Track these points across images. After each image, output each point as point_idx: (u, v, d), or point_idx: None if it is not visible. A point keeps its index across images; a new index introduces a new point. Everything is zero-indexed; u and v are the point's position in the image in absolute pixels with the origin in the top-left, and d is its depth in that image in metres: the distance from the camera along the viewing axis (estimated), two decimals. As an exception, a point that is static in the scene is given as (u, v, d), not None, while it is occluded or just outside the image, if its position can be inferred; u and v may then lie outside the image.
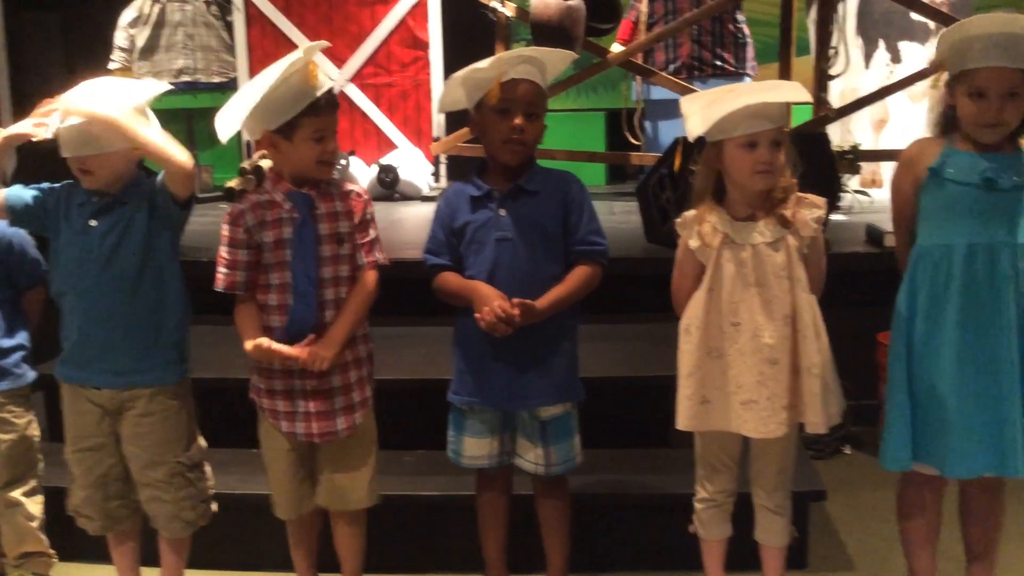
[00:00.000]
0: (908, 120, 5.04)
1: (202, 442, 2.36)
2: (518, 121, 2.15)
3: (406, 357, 3.02)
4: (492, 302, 2.12)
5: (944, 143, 2.13)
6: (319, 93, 2.10)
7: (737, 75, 5.32)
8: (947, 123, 2.16)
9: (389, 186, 5.56)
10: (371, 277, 2.23)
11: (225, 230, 2.20)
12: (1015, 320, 2.06)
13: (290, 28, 5.78)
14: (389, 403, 2.40)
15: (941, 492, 2.24)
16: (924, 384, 2.14)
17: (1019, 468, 2.07)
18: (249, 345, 2.13)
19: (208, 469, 2.38)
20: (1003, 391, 2.06)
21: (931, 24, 4.74)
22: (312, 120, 2.09)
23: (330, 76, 5.75)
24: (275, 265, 2.18)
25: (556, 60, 2.26)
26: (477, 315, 2.13)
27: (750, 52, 5.49)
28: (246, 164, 5.42)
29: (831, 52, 4.61)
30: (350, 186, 2.27)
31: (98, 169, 2.17)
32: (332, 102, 2.16)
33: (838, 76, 4.70)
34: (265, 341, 2.11)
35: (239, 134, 2.27)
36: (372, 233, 2.24)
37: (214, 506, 2.38)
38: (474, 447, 2.31)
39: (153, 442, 2.23)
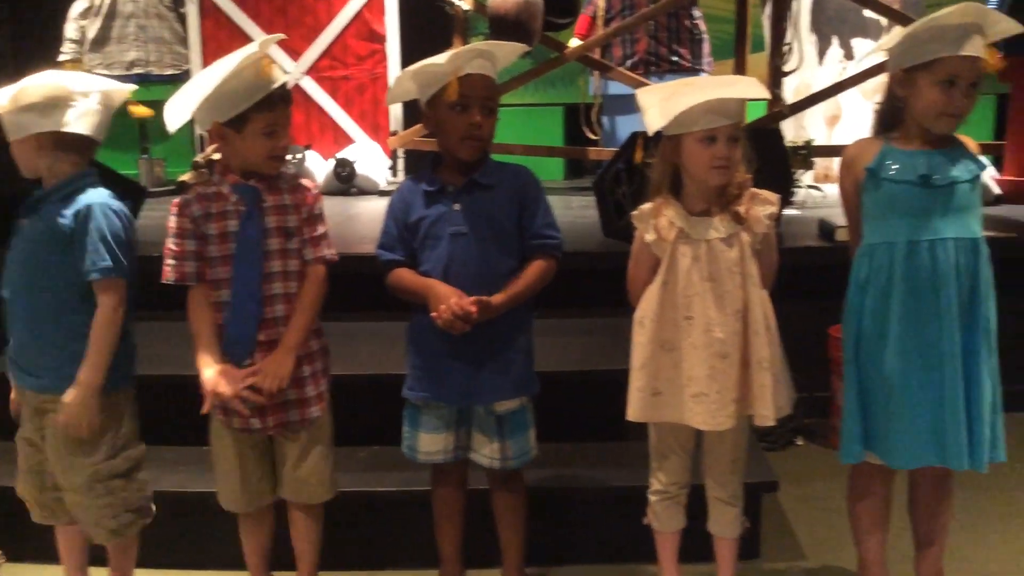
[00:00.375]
0: (861, 116, 5.10)
1: (135, 451, 2.27)
2: (477, 117, 2.15)
3: (361, 352, 3.01)
4: (449, 300, 2.11)
5: (882, 143, 2.16)
6: (273, 87, 2.07)
7: (693, 71, 5.36)
8: (888, 119, 2.18)
9: (346, 180, 5.52)
10: (318, 274, 2.20)
11: (172, 221, 2.17)
12: (957, 314, 2.09)
13: (245, 20, 5.72)
14: (343, 399, 2.38)
15: (891, 481, 2.28)
16: (871, 377, 2.18)
17: (963, 461, 2.11)
18: (217, 389, 2.10)
19: (141, 478, 2.28)
20: (946, 384, 2.10)
21: (884, 21, 4.80)
22: (264, 115, 2.07)
23: (285, 69, 5.71)
24: (221, 259, 2.16)
25: (507, 53, 2.26)
26: (434, 314, 2.12)
27: (706, 48, 5.53)
28: (199, 158, 5.36)
29: (785, 48, 4.65)
30: (300, 180, 2.24)
31: (17, 158, 2.14)
32: (285, 97, 2.13)
33: (792, 72, 4.75)
34: (220, 389, 2.10)
35: (192, 128, 2.24)
36: (321, 228, 2.21)
37: (149, 516, 2.31)
38: (429, 443, 2.30)
39: (69, 449, 2.17)
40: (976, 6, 2.06)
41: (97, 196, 2.14)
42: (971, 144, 2.16)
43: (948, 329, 2.09)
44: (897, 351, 2.13)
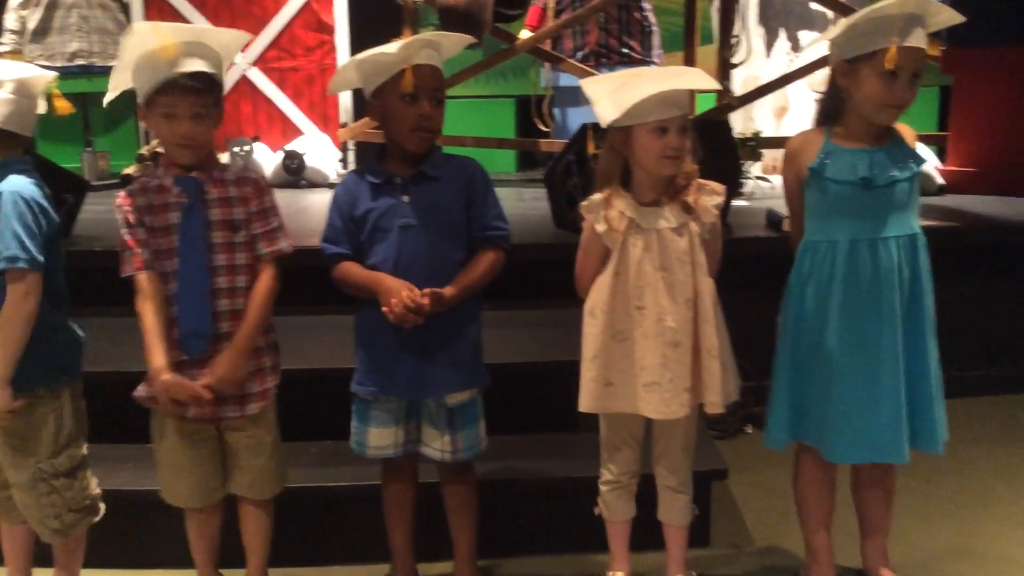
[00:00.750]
0: (808, 108, 5.16)
1: (80, 450, 2.22)
2: (427, 108, 2.13)
3: (311, 347, 2.98)
4: (400, 293, 2.09)
5: (824, 137, 2.17)
6: (174, 72, 2.02)
7: (644, 63, 5.39)
8: (831, 110, 2.20)
9: (295, 172, 5.46)
10: (271, 269, 2.17)
11: (119, 214, 2.14)
12: (899, 310, 2.12)
13: (190, 10, 5.62)
14: (294, 393, 2.36)
15: (834, 467, 2.31)
16: (809, 368, 2.21)
17: (900, 455, 2.15)
18: (165, 379, 2.07)
19: (87, 477, 2.24)
20: (883, 381, 2.13)
21: (830, 14, 4.86)
22: (163, 98, 2.03)
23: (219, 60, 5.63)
24: (167, 252, 2.12)
25: (453, 43, 2.24)
26: (385, 308, 2.10)
27: (656, 40, 5.57)
28: (144, 150, 5.28)
29: (733, 41, 4.70)
30: (247, 172, 2.20)
31: None
32: (190, 86, 2.03)
33: (740, 64, 4.79)
34: (171, 379, 2.06)
35: (136, 121, 2.19)
36: (274, 221, 2.18)
37: (96, 514, 2.27)
38: (379, 437, 2.29)
39: (11, 445, 2.12)
40: None
41: (10, 184, 2.05)
42: (909, 134, 2.18)
43: (888, 327, 2.12)
44: (836, 346, 2.16)
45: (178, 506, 2.29)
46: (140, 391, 2.16)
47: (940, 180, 4.74)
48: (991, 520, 2.81)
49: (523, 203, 4.86)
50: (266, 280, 2.16)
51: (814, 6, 4.84)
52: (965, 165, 4.73)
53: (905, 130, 2.19)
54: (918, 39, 2.05)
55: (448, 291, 2.14)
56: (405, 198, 2.18)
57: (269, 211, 2.18)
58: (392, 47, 2.11)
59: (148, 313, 2.10)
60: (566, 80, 5.60)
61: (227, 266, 2.14)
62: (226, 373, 2.09)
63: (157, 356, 2.08)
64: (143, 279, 2.12)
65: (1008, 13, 4.51)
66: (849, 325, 2.14)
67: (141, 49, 2.02)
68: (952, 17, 2.12)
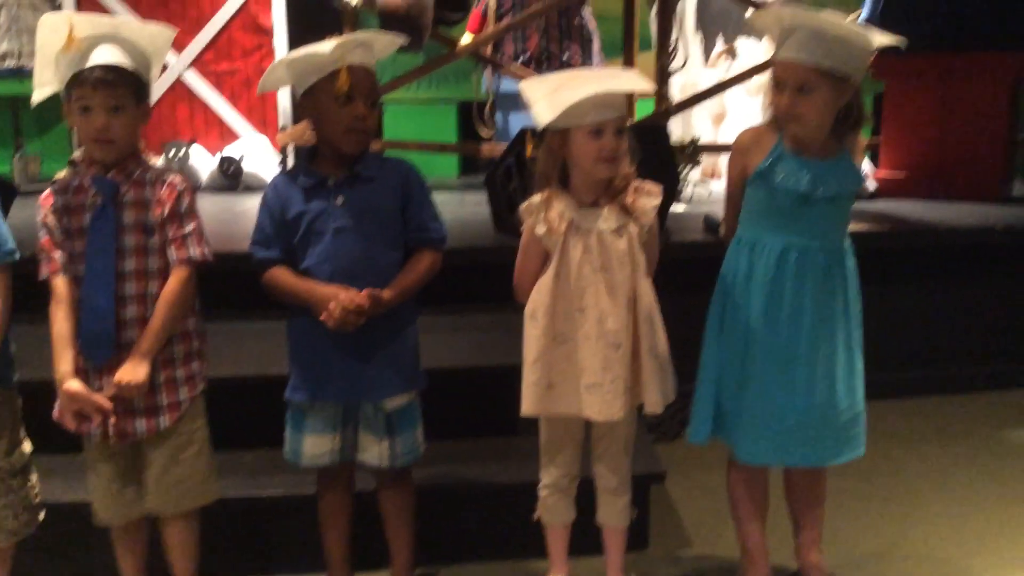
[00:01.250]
0: (745, 114, 5.24)
1: (26, 447, 2.20)
2: (362, 109, 2.11)
3: (244, 353, 2.92)
4: (337, 296, 2.07)
5: (776, 138, 2.19)
6: (88, 65, 1.98)
7: (584, 68, 5.41)
8: None
9: (232, 177, 5.38)
10: (181, 276, 2.09)
11: (39, 216, 2.09)
12: (821, 318, 2.15)
13: (123, 11, 5.50)
14: (226, 401, 2.31)
15: (766, 470, 2.34)
16: (729, 365, 2.24)
17: (808, 459, 2.19)
18: (68, 388, 2.02)
19: (34, 477, 2.23)
20: (796, 387, 2.16)
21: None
22: (77, 91, 1.99)
23: (166, 61, 5.53)
24: (82, 255, 2.06)
25: (385, 44, 2.22)
26: (324, 315, 2.07)
27: (596, 46, 5.59)
28: (76, 154, 5.15)
29: (671, 47, 4.74)
30: (167, 175, 2.12)
31: None
32: (102, 78, 1.99)
33: (678, 71, 4.84)
34: (74, 390, 2.01)
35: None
36: (189, 226, 2.10)
37: (41, 515, 2.25)
38: (315, 445, 2.25)
39: None
40: (803, 12, 2.08)
41: None
42: (858, 145, 2.20)
43: (807, 335, 2.15)
44: (756, 349, 2.19)
45: (100, 524, 2.23)
46: (55, 412, 2.09)
47: (873, 185, 4.84)
48: (922, 520, 2.87)
49: (464, 207, 4.85)
50: (174, 284, 2.08)
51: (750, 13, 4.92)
52: (897, 170, 4.84)
53: (857, 143, 2.21)
54: (795, 53, 2.04)
55: (387, 293, 2.12)
56: (339, 200, 2.15)
57: (184, 215, 2.10)
58: (326, 46, 2.08)
59: (59, 318, 2.05)
60: (508, 85, 5.60)
61: (137, 271, 2.07)
62: (125, 378, 2.01)
63: (63, 363, 2.03)
64: (58, 283, 2.06)
65: (937, 20, 4.63)
66: (769, 327, 2.17)
67: (57, 42, 1.98)
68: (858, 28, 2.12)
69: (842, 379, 2.19)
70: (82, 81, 1.98)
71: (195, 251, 2.10)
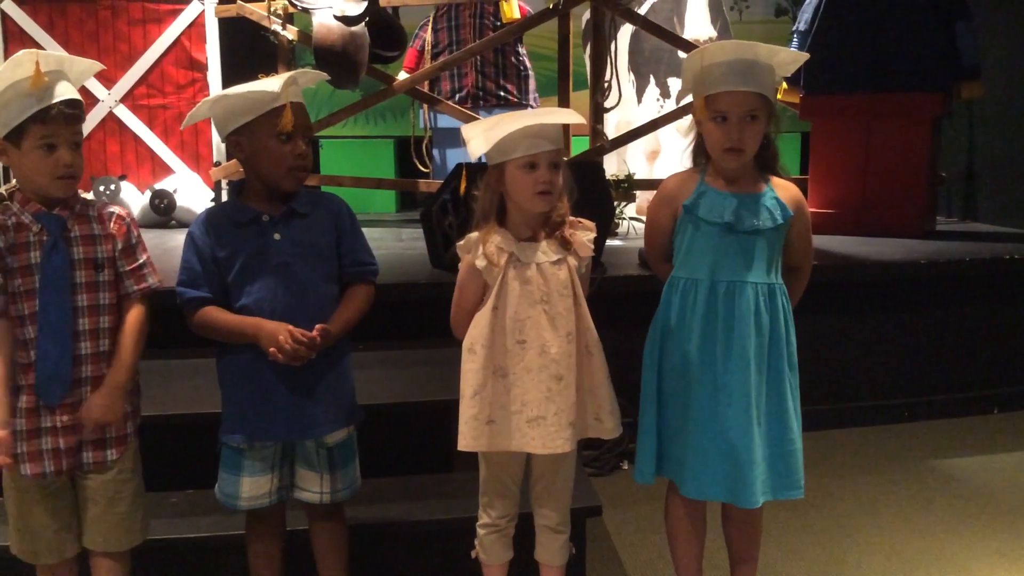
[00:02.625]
0: (678, 151, 5.34)
1: None
2: (302, 147, 2.10)
3: (171, 391, 2.85)
4: (285, 331, 2.04)
5: (699, 177, 2.23)
6: (54, 100, 1.95)
7: (520, 105, 5.48)
8: (701, 151, 2.25)
9: (164, 212, 5.30)
10: (141, 308, 2.10)
11: None
12: (752, 356, 2.17)
13: (53, 46, 5.40)
14: (154, 440, 2.26)
15: (703, 504, 2.34)
16: (669, 403, 2.26)
17: (750, 499, 2.18)
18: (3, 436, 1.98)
19: None
20: (734, 423, 2.17)
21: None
22: (39, 127, 1.95)
23: (94, 93, 5.44)
24: (25, 293, 2.01)
25: (311, 78, 2.22)
26: (273, 349, 2.04)
27: (532, 84, 5.67)
28: (3, 189, 5.02)
29: (605, 86, 4.82)
30: (111, 208, 2.12)
31: None
32: (68, 113, 1.98)
33: (612, 109, 4.92)
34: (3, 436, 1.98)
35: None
36: (142, 257, 2.11)
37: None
38: (254, 487, 2.19)
39: None
40: (736, 43, 2.16)
41: None
42: (789, 192, 2.22)
43: (740, 371, 2.17)
44: (692, 384, 2.21)
45: (29, 562, 2.15)
46: None
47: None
48: (855, 549, 2.91)
49: (402, 243, 4.84)
50: (137, 315, 2.08)
51: (682, 55, 5.03)
52: (824, 207, 4.96)
53: (786, 186, 2.24)
54: (743, 83, 2.10)
55: (333, 327, 2.11)
56: (277, 236, 2.13)
57: (136, 247, 2.11)
58: (273, 83, 2.06)
59: None
60: (445, 121, 5.64)
61: (90, 306, 2.04)
62: (101, 415, 2.01)
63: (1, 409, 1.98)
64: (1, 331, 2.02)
65: (860, 62, 4.78)
66: (705, 365, 2.19)
67: (8, 80, 1.94)
68: (796, 57, 2.20)
69: (783, 419, 2.21)
70: (50, 118, 1.95)
71: (153, 280, 2.12)
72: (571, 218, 2.17)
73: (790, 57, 2.19)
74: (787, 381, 2.22)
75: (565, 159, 2.18)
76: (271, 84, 2.06)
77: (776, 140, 2.23)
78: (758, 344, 2.18)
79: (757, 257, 2.20)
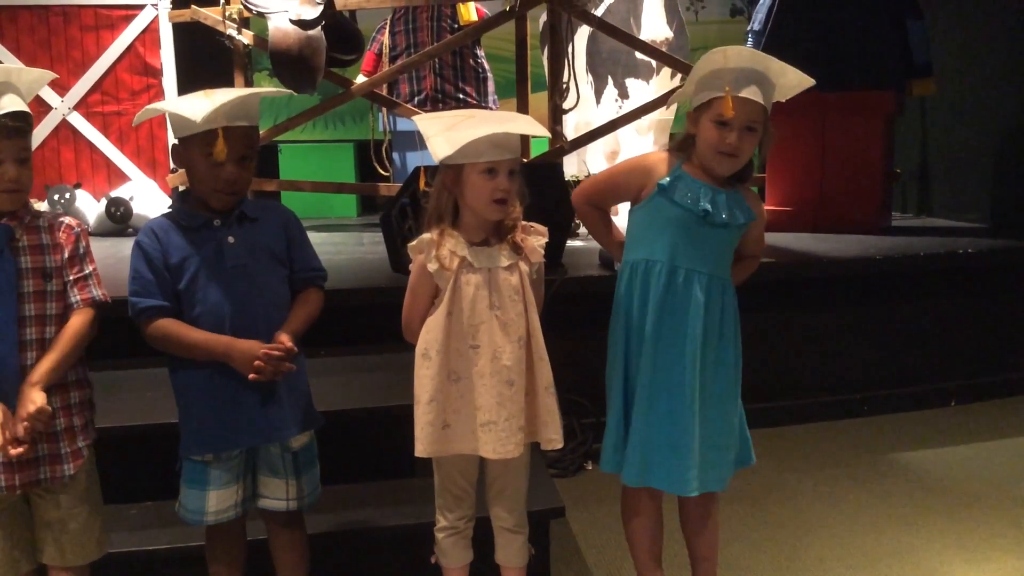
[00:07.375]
0: (637, 151, 5.36)
1: None
2: (231, 172, 2.07)
3: (126, 402, 2.81)
4: (259, 350, 2.03)
5: (677, 162, 2.23)
6: None
7: (480, 107, 5.48)
8: (684, 146, 2.26)
9: (120, 220, 5.23)
10: (83, 316, 2.05)
11: None
12: (699, 348, 2.19)
13: (4, 54, 5.32)
14: (110, 453, 2.22)
15: (659, 499, 2.35)
16: (637, 390, 2.26)
17: (685, 487, 2.21)
18: None
19: None
20: (678, 412, 2.20)
21: (654, 63, 5.08)
22: None
23: (50, 103, 5.37)
24: None
25: (256, 100, 2.17)
26: (257, 364, 2.02)
27: (491, 86, 5.68)
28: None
29: (564, 88, 4.83)
30: (62, 218, 2.09)
31: None
32: (12, 127, 1.96)
33: (570, 110, 4.93)
34: None
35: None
36: (88, 268, 2.08)
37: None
38: (221, 500, 2.16)
39: None
40: (753, 52, 2.18)
41: None
42: (754, 200, 2.28)
43: (690, 360, 2.19)
44: (645, 370, 2.22)
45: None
46: None
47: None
48: (815, 543, 2.94)
49: (362, 247, 4.83)
50: (78, 322, 2.04)
51: (639, 56, 5.05)
52: (780, 204, 5.01)
53: (752, 194, 2.29)
54: (752, 93, 2.13)
55: (296, 331, 2.13)
56: (231, 239, 2.11)
57: (84, 257, 2.08)
58: (197, 111, 2.00)
59: None
60: (404, 124, 5.64)
61: (37, 316, 2.02)
62: (32, 409, 1.91)
63: None
64: None
65: (812, 60, 4.82)
66: (658, 351, 2.21)
67: None
68: (801, 80, 2.22)
69: (724, 415, 2.23)
70: None
71: (97, 292, 2.09)
72: (523, 223, 2.17)
73: (796, 79, 2.20)
74: (735, 376, 2.25)
75: (524, 160, 2.18)
76: (196, 109, 2.01)
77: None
78: (705, 336, 2.20)
79: (718, 250, 2.24)
